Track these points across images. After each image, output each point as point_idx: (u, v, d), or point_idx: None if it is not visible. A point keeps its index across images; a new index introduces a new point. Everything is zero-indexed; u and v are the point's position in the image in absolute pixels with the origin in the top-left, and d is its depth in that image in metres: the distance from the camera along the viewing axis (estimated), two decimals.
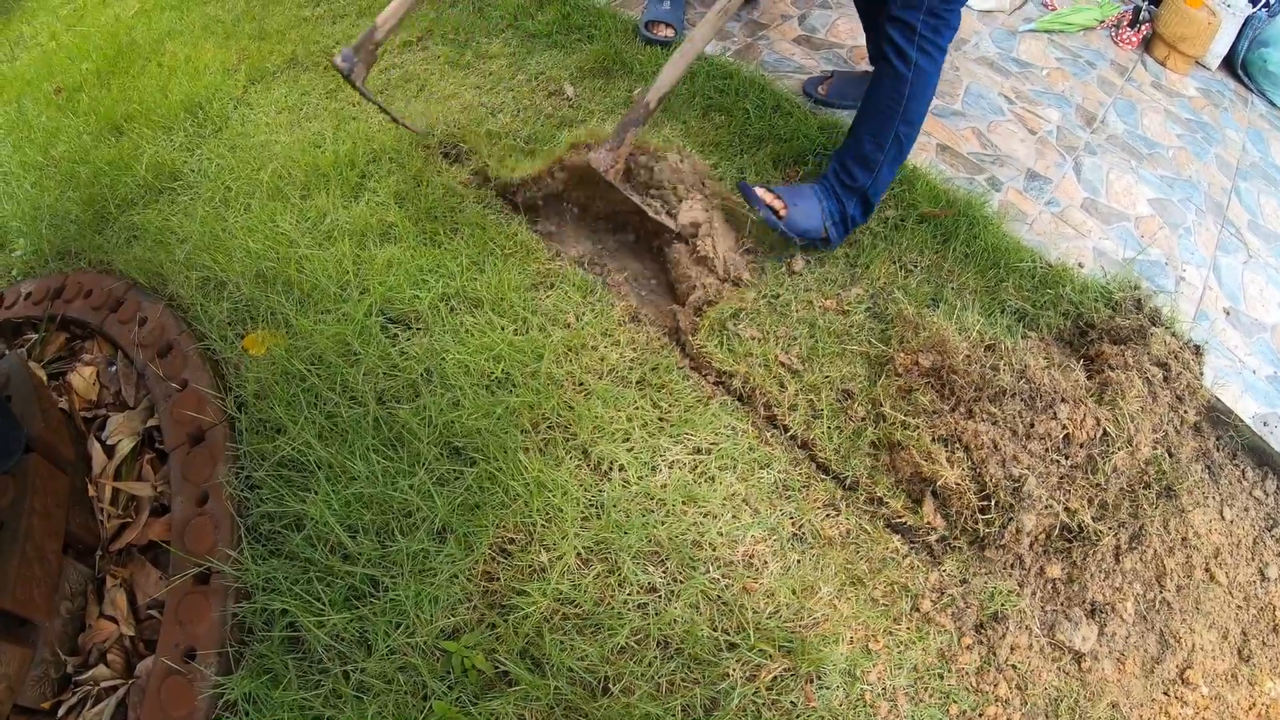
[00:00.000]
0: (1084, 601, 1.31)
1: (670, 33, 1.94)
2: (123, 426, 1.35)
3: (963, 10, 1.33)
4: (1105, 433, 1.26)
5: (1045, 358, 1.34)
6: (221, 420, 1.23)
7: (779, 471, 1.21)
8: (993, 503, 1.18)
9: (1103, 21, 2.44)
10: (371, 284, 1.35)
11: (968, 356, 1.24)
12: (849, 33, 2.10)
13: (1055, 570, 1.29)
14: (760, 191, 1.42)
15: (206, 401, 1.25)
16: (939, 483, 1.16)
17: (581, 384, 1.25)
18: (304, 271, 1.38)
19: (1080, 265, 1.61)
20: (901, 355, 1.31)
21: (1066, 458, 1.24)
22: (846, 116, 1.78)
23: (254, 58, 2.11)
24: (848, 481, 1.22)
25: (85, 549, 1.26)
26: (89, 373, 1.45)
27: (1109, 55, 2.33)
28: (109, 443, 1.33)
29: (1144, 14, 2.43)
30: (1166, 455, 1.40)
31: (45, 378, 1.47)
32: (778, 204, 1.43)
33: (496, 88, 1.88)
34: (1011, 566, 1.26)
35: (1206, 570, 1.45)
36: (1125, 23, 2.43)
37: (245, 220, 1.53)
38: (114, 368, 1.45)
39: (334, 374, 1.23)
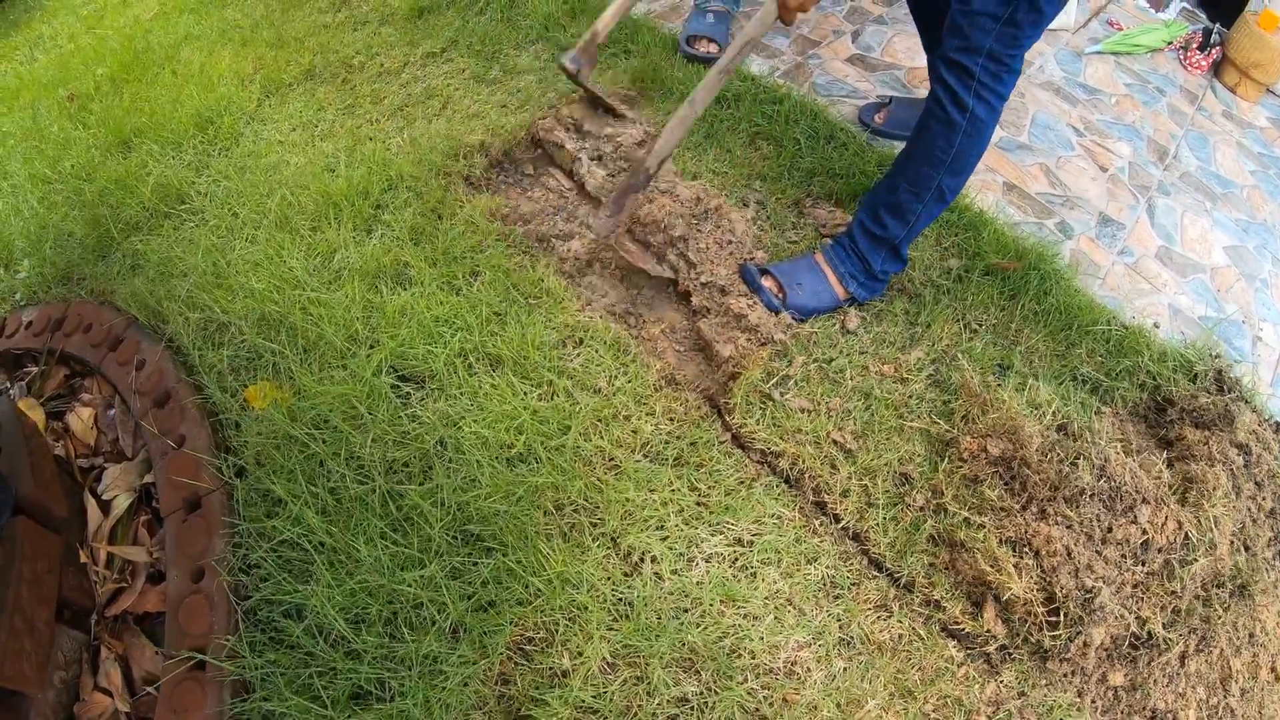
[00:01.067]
0: (1145, 709, 1.16)
1: (714, 49, 1.76)
2: (119, 480, 1.24)
3: None
4: (1186, 537, 1.10)
5: (1122, 440, 1.18)
6: (219, 487, 1.11)
7: (827, 567, 1.07)
8: (1061, 614, 1.03)
9: (1170, 43, 2.22)
10: (382, 335, 1.21)
11: (1041, 447, 1.08)
12: (906, 52, 1.91)
13: (1118, 678, 1.14)
14: (760, 277, 1.29)
15: (203, 466, 1.12)
16: (1005, 595, 1.01)
17: (612, 461, 1.11)
18: (310, 317, 1.25)
19: (1156, 325, 1.44)
20: (968, 439, 1.16)
21: (1143, 564, 1.08)
22: None
23: (270, 68, 1.96)
24: (902, 581, 1.08)
25: (80, 611, 1.16)
26: (87, 415, 1.34)
27: (1178, 80, 2.12)
28: (105, 497, 1.22)
29: (1215, 37, 2.20)
30: (1243, 549, 1.24)
31: (45, 417, 1.35)
32: (773, 287, 1.28)
33: (525, 106, 1.71)
34: (1072, 674, 1.12)
35: (1272, 670, 1.30)
36: (1194, 45, 2.20)
37: (250, 254, 1.39)
38: (112, 412, 1.33)
39: (339, 440, 1.10)
